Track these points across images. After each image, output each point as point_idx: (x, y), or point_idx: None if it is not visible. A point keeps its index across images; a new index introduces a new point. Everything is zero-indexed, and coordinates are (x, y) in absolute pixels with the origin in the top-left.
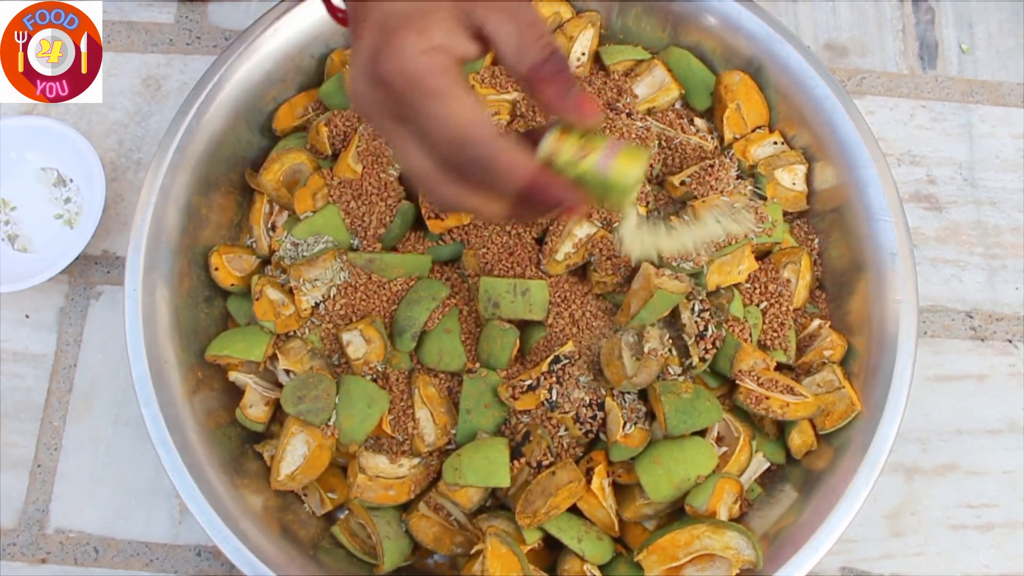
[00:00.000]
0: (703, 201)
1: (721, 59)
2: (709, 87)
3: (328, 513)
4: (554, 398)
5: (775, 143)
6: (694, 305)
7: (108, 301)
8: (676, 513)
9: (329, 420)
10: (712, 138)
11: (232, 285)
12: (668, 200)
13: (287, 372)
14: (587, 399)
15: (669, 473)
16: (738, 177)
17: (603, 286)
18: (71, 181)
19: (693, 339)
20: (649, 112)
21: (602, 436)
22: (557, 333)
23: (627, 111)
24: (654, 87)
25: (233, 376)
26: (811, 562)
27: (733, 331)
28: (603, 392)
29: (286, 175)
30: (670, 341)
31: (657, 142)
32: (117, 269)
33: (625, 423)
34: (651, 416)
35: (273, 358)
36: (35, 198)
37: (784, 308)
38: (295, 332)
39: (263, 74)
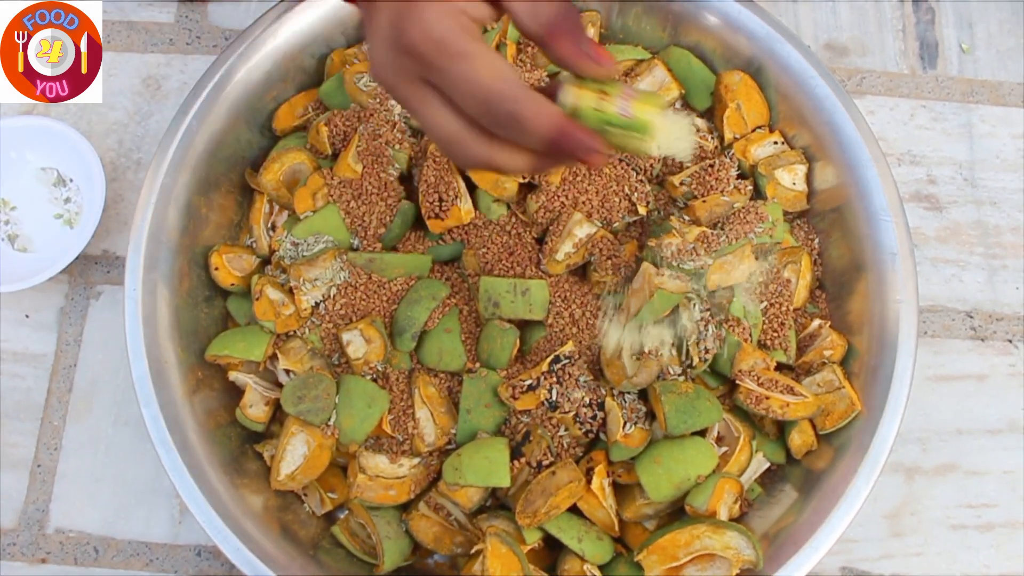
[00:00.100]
0: (703, 201)
1: (721, 59)
2: (709, 87)
3: (328, 513)
4: (554, 398)
5: (775, 143)
6: (694, 305)
7: (108, 301)
8: (676, 513)
9: (329, 420)
10: (712, 138)
11: (232, 285)
12: (668, 200)
13: (287, 372)
14: (587, 399)
15: (669, 473)
16: (738, 177)
17: (603, 286)
18: (71, 181)
19: (693, 339)
20: None
21: (602, 436)
22: (557, 333)
23: None
24: (654, 87)
25: (233, 376)
26: (811, 562)
27: (733, 331)
28: (603, 392)
29: (286, 175)
30: (670, 341)
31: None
32: (117, 269)
33: (625, 423)
34: (651, 416)
35: (273, 358)
36: (35, 198)
37: (784, 308)
38: (295, 332)
39: (263, 74)
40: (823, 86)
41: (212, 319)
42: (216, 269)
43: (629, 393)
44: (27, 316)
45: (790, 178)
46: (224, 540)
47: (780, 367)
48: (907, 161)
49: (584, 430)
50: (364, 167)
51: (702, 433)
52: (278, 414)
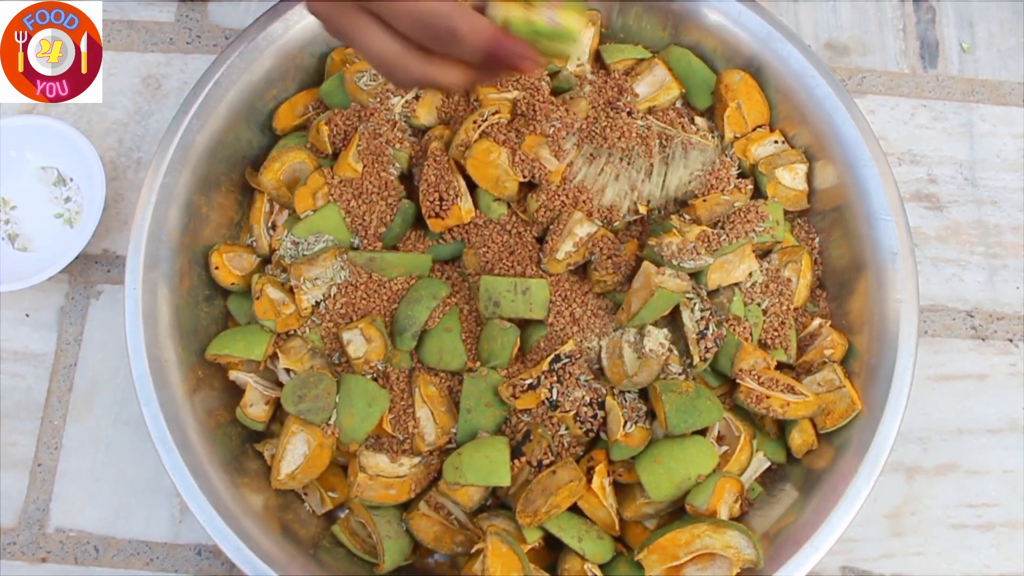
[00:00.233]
0: (704, 200)
1: (722, 58)
2: (710, 86)
3: (328, 512)
4: (554, 397)
5: (776, 142)
6: (695, 304)
7: (108, 300)
8: (677, 512)
9: (329, 419)
10: (713, 137)
11: (232, 284)
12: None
13: (287, 371)
14: (587, 398)
15: (670, 472)
16: (739, 176)
17: (603, 285)
18: (71, 180)
19: (694, 338)
20: (650, 111)
21: (603, 435)
22: (558, 332)
23: (628, 110)
24: (655, 86)
25: (233, 375)
26: (811, 561)
27: (734, 330)
28: (604, 391)
29: (286, 174)
30: (671, 340)
31: (657, 141)
32: (117, 268)
33: (626, 422)
34: (652, 415)
35: (273, 357)
36: (35, 197)
37: (785, 307)
38: (295, 331)
39: (263, 73)
40: (823, 85)
41: (212, 318)
42: (216, 268)
43: (629, 392)
44: (27, 315)
45: (790, 177)
46: (224, 539)
47: (780, 366)
48: (907, 160)
49: (584, 429)
50: (364, 166)
51: (703, 432)
52: (278, 413)
